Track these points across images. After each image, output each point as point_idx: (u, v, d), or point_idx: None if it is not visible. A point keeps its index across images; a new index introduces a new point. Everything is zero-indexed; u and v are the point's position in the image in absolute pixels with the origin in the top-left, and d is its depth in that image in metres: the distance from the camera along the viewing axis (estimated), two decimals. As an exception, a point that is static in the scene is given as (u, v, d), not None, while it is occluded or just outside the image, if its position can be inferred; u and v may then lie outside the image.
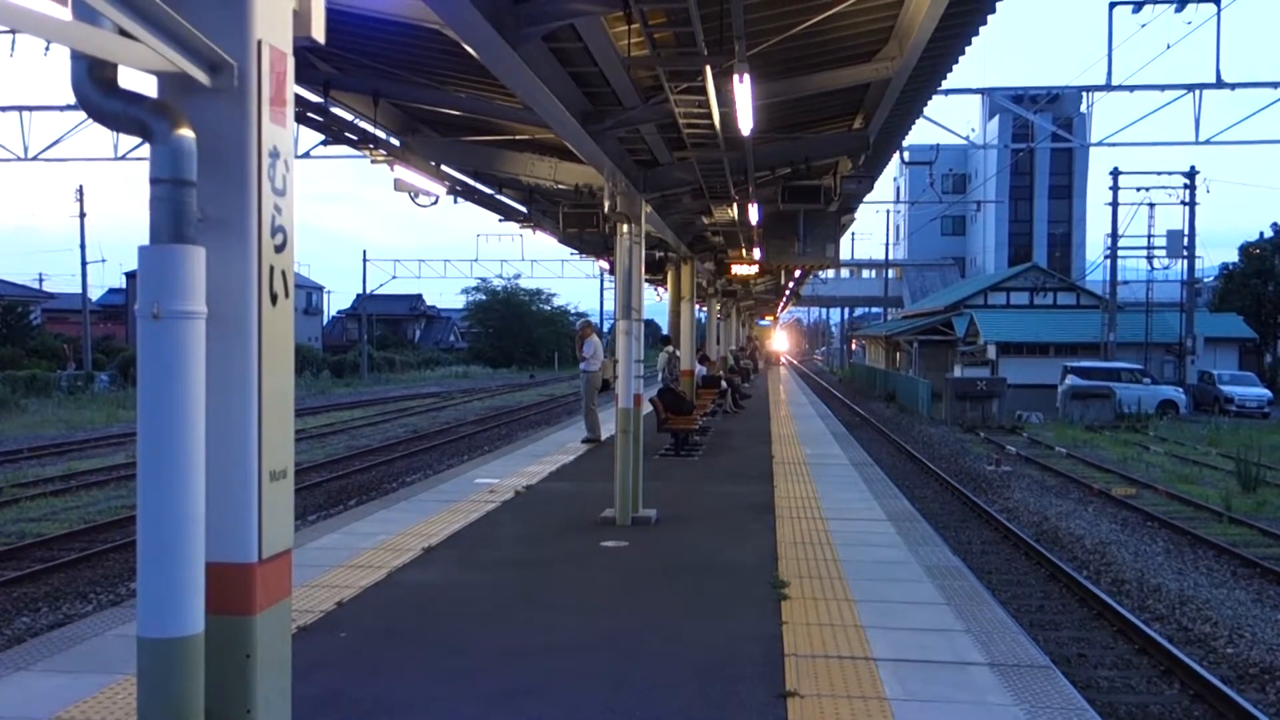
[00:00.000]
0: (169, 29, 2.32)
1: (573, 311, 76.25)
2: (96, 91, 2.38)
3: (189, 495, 2.37)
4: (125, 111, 2.40)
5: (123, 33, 2.24)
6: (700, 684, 4.87)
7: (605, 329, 42.11)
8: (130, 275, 57.81)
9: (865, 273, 74.42)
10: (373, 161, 9.01)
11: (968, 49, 8.23)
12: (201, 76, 2.46)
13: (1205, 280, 47.01)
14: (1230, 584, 10.44)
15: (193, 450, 2.38)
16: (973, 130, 65.04)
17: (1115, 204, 36.77)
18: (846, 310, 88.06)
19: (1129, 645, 8.26)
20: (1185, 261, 36.94)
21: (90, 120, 2.37)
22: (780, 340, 76.14)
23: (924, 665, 5.18)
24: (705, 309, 28.34)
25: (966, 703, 4.67)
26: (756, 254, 17.32)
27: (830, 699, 4.67)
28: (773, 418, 21.18)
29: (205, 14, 2.48)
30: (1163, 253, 38.14)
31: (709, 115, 7.17)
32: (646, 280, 16.95)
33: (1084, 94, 25.27)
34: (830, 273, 60.77)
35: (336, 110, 8.60)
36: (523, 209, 13.59)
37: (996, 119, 61.09)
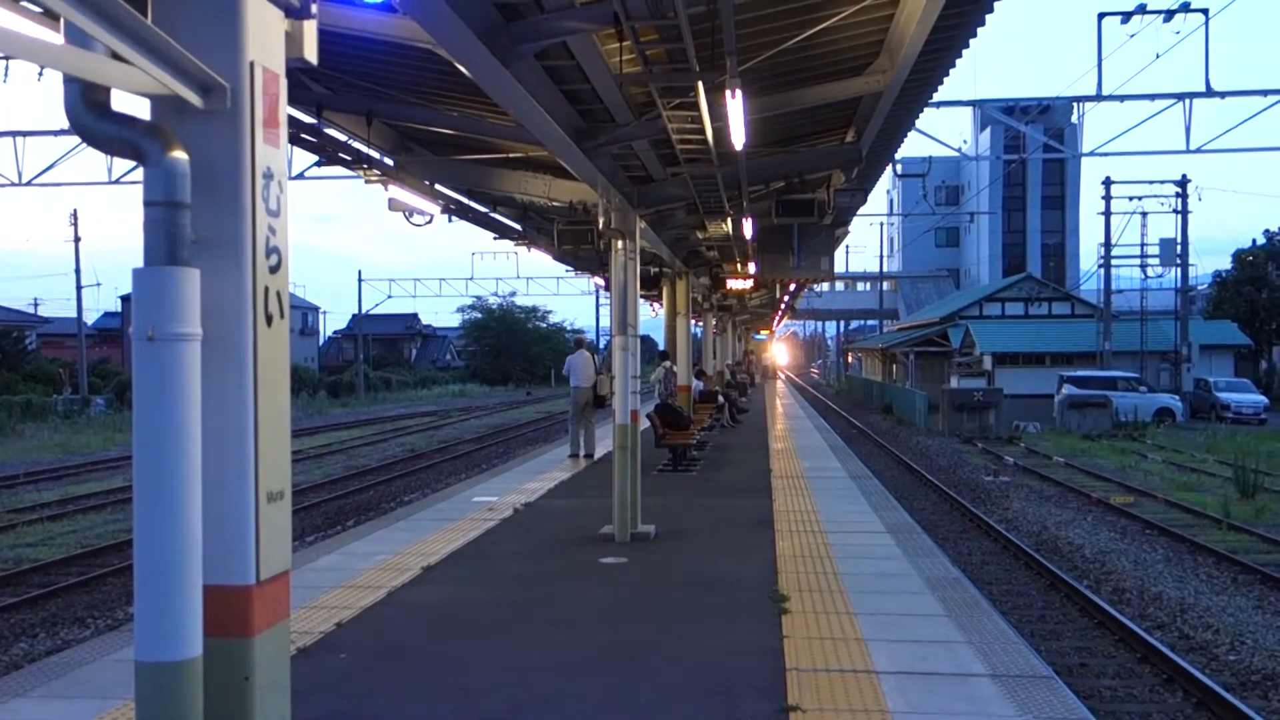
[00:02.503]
0: (161, 52, 2.32)
1: (569, 328, 76.24)
2: (89, 115, 2.39)
3: (186, 518, 2.37)
4: (118, 135, 2.40)
5: (115, 56, 2.24)
6: (702, 699, 4.85)
7: (601, 345, 42.13)
8: (126, 298, 57.77)
9: (860, 285, 74.49)
10: (367, 181, 9.01)
11: (958, 61, 8.28)
12: (194, 99, 2.47)
13: (1199, 288, 47.09)
14: (1231, 591, 10.42)
15: (189, 473, 2.37)
16: (965, 142, 65.26)
17: (1108, 213, 36.91)
18: (842, 323, 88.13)
19: (1130, 654, 8.24)
20: (1179, 269, 37.03)
21: (84, 144, 2.37)
22: (777, 354, 76.26)
23: (926, 677, 5.17)
24: (701, 324, 28.36)
25: (969, 714, 4.66)
26: (751, 268, 17.36)
27: (833, 712, 4.66)
28: (770, 431, 21.17)
29: (197, 36, 2.49)
30: (1156, 261, 38.25)
31: (702, 131, 7.19)
32: (642, 296, 16.95)
33: (1075, 104, 25.34)
34: (825, 286, 60.86)
35: (330, 131, 8.62)
36: (517, 227, 13.61)
37: (988, 131, 61.28)
